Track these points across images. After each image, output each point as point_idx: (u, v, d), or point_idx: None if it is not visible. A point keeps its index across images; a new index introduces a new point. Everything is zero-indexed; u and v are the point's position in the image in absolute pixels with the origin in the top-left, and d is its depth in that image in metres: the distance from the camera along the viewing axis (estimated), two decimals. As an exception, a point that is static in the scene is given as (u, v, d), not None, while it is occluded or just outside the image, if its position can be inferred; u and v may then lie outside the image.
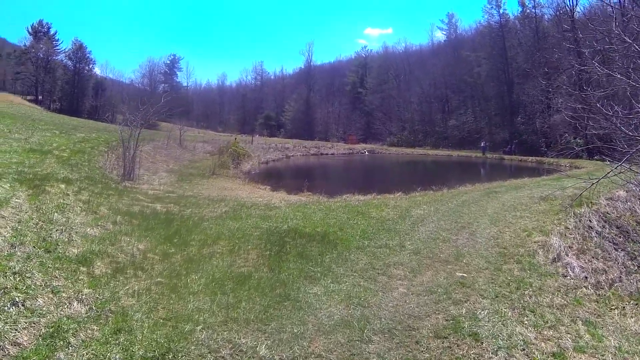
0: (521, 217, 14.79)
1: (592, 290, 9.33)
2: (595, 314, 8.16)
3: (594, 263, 11.21)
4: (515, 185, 23.54)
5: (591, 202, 16.49)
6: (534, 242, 11.94)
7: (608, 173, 13.87)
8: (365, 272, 9.22)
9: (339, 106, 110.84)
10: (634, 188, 18.87)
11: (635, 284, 10.46)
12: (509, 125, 75.84)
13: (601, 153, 27.16)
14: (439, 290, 8.39)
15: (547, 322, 7.46)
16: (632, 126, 15.41)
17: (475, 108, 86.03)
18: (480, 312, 7.53)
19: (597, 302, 8.79)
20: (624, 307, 8.76)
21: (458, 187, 23.04)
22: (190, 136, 53.78)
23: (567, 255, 11.08)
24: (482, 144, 69.16)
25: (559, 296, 8.64)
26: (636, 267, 11.91)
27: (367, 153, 71.67)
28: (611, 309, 8.63)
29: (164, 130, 54.67)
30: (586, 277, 10.09)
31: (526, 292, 8.58)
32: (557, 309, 8.07)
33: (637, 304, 9.04)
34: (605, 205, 17.27)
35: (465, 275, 9.27)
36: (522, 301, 8.18)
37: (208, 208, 15.52)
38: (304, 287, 8.20)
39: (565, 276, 9.93)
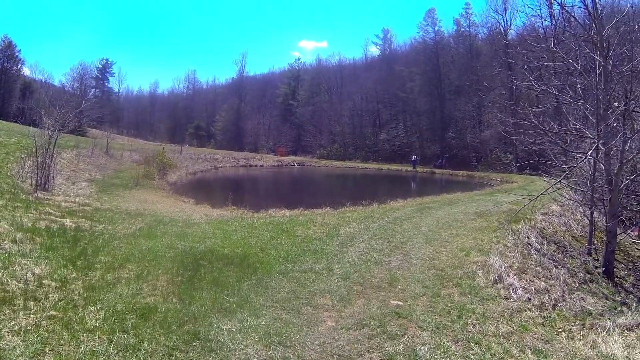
0: (457, 235, 14.03)
1: (536, 313, 8.69)
2: (543, 340, 7.48)
3: (536, 283, 10.56)
4: (449, 201, 22.95)
5: (527, 218, 16.09)
6: (473, 262, 11.14)
7: (548, 189, 13.62)
8: (288, 302, 8.08)
9: (269, 118, 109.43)
10: (567, 203, 18.73)
11: (578, 302, 10.01)
12: (440, 140, 76.67)
13: (531, 168, 27.23)
14: (372, 323, 7.33)
15: (494, 354, 6.67)
16: (567, 142, 15.20)
17: (407, 122, 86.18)
18: (420, 348, 6.57)
19: (544, 326, 8.14)
20: (570, 329, 8.19)
21: (389, 202, 22.25)
22: (119, 144, 52.08)
23: (509, 276, 10.38)
24: (412, 158, 68.89)
25: (504, 322, 7.89)
26: (577, 285, 11.44)
27: (296, 165, 70.43)
28: (558, 332, 8.02)
29: (92, 137, 52.54)
30: (529, 299, 9.42)
31: (469, 321, 7.70)
32: (504, 337, 7.31)
33: (583, 325, 8.54)
34: (542, 221, 17.01)
35: (401, 303, 8.27)
36: (465, 332, 7.30)
37: (123, 224, 14.20)
38: (217, 322, 6.97)
39: (508, 298, 9.22)
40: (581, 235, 17.27)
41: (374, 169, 68.55)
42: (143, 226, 13.90)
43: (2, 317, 6.22)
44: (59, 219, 13.57)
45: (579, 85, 14.42)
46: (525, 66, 16.56)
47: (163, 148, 51.18)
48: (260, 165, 66.35)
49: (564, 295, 10.16)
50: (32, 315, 6.42)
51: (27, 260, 8.72)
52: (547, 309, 9.05)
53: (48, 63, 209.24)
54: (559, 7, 46.01)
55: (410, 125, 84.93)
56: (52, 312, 6.64)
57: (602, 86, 12.72)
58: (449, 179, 54.75)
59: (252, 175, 55.64)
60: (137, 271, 9.12)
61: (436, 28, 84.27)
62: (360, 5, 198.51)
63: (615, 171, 12.75)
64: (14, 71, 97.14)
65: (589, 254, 14.71)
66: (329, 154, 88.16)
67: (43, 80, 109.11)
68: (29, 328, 6.01)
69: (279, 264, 10.32)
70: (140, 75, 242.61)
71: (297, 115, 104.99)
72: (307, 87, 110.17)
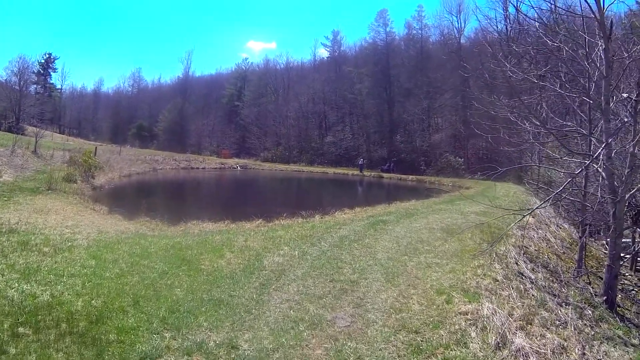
0: (428, 266, 10.23)
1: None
2: None
3: (548, 338, 7.39)
4: (406, 211, 19.23)
5: (505, 234, 12.84)
6: (459, 313, 7.48)
7: (547, 200, 11.07)
8: None
9: (213, 119, 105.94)
10: (539, 213, 16.71)
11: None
12: (388, 143, 74.52)
13: (482, 172, 25.09)
14: None
15: None
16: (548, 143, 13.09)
17: (354, 125, 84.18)
18: None
19: None
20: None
21: (334, 212, 18.85)
22: (55, 143, 48.05)
23: (514, 333, 7.08)
24: (359, 162, 66.32)
25: None
26: (590, 329, 8.80)
27: (239, 168, 67.25)
28: None
29: (31, 136, 48.27)
30: (550, 371, 6.29)
31: None
32: None
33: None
34: (520, 237, 14.13)
35: None
36: None
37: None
38: None
39: (522, 377, 5.92)
40: (563, 252, 15.44)
41: (319, 173, 65.57)
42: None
43: None
44: None
45: (563, 76, 12.29)
46: (522, 61, 13.91)
47: (96, 148, 47.45)
48: (202, 168, 63.20)
49: (584, 353, 7.44)
50: None
51: None
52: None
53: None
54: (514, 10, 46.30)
55: (357, 128, 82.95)
56: None
57: (604, 74, 10.21)
58: (397, 183, 52.95)
59: (190, 179, 52.35)
60: None
61: (387, 29, 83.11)
62: (310, 7, 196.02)
63: (624, 178, 10.55)
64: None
65: (579, 275, 12.87)
66: (274, 156, 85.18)
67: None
68: None
69: (149, 335, 6.33)
70: (86, 73, 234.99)
71: (242, 117, 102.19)
72: (254, 88, 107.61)
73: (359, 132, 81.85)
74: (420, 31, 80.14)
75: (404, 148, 70.79)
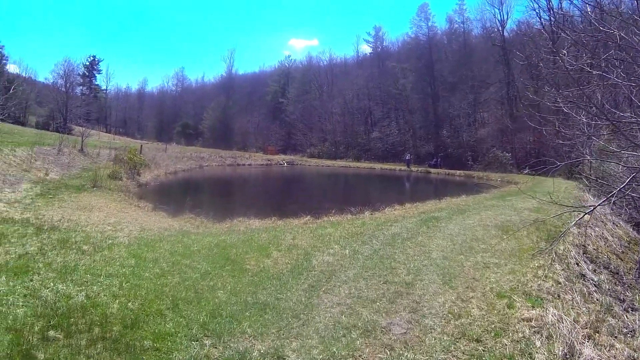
0: (486, 266, 9.62)
1: None
2: None
3: (617, 347, 6.69)
4: (457, 207, 18.62)
5: (560, 230, 12.27)
6: (522, 319, 6.94)
7: (610, 196, 10.38)
8: None
9: (258, 116, 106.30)
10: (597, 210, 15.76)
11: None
12: (434, 138, 73.64)
13: (530, 167, 24.36)
14: None
15: None
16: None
17: (400, 120, 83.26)
18: None
19: None
20: None
21: (383, 209, 18.35)
22: (101, 142, 48.66)
23: (582, 343, 6.40)
24: (406, 157, 65.93)
25: None
26: None
27: (285, 164, 67.38)
28: None
29: (77, 135, 48.94)
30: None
31: None
32: None
33: None
34: (578, 235, 13.26)
35: None
36: None
37: (9, 246, 9.99)
38: None
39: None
40: (622, 252, 14.29)
41: (366, 169, 65.31)
42: (31, 250, 9.73)
43: None
44: None
45: (619, 63, 10.78)
46: (563, 50, 13.15)
47: (141, 146, 48.06)
48: (248, 165, 63.83)
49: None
50: None
51: None
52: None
53: (33, 59, 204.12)
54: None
55: (403, 124, 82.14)
56: None
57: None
58: (445, 179, 52.26)
59: (236, 175, 52.45)
60: None
61: (429, 24, 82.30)
62: (351, 3, 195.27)
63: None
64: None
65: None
66: (320, 152, 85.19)
67: (27, 77, 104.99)
68: None
69: (188, 342, 5.94)
70: (129, 73, 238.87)
71: (286, 114, 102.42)
72: (298, 84, 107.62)
73: (404, 127, 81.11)
74: (462, 25, 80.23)
75: (450, 143, 70.12)
